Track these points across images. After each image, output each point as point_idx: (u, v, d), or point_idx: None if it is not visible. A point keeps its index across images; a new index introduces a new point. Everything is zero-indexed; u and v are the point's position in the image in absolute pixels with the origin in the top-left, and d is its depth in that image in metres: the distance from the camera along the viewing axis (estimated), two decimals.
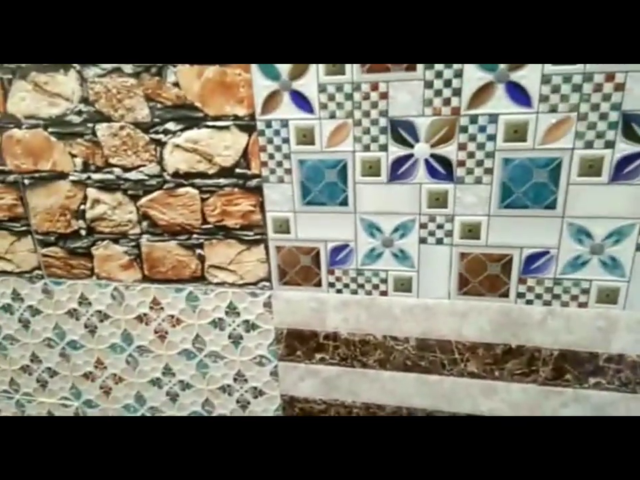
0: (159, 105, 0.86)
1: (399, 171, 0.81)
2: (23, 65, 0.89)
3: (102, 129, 0.90)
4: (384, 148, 0.80)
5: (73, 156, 0.94)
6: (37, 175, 0.97)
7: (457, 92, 0.74)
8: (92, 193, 0.96)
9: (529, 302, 0.84)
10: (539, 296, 0.83)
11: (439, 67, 0.73)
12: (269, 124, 0.83)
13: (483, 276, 0.84)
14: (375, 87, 0.77)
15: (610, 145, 0.72)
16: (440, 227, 0.83)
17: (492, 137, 0.75)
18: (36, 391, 1.17)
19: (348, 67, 0.76)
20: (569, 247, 0.79)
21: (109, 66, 0.85)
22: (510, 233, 0.80)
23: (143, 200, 0.94)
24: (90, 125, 0.91)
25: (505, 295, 0.84)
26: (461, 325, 0.88)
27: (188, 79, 0.83)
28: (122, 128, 0.89)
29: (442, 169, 0.79)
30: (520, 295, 0.84)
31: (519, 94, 0.72)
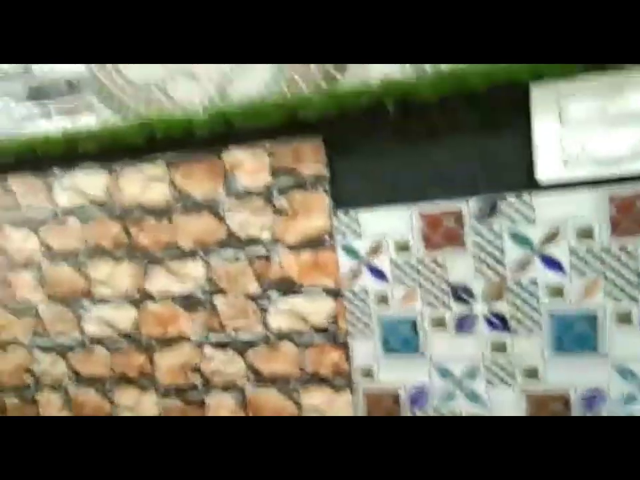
0: (265, 280, 1.11)
1: (462, 324, 0.99)
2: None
3: (220, 300, 1.16)
4: (447, 307, 1.00)
5: (195, 322, 1.18)
6: (163, 338, 1.21)
7: (501, 262, 0.95)
8: (208, 351, 1.18)
9: None
10: None
11: (483, 243, 0.95)
12: (352, 291, 1.05)
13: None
14: (435, 260, 0.99)
15: (634, 299, 0.89)
16: (503, 369, 0.98)
17: (535, 296, 0.94)
18: None
19: (413, 245, 1.00)
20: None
21: (230, 255, 1.13)
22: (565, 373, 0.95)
23: (250, 355, 1.15)
24: (210, 297, 1.16)
25: None
26: None
27: (289, 261, 1.09)
28: (236, 299, 1.14)
29: (498, 321, 0.97)
30: None
31: (552, 263, 0.92)
